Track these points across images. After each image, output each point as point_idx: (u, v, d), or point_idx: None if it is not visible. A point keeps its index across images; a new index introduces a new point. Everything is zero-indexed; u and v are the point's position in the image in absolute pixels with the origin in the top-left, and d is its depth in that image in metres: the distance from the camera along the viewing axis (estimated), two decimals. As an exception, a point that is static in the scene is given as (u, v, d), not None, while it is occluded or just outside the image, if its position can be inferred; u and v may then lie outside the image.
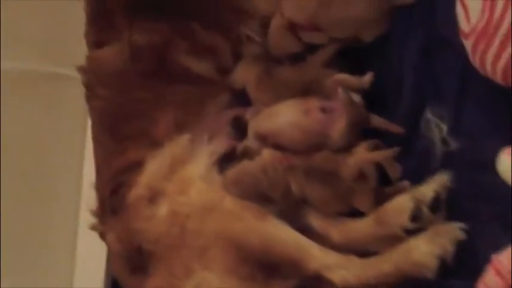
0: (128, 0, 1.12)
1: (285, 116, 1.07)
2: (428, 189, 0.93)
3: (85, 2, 1.17)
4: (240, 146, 1.11)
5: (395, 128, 1.02)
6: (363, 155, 0.99)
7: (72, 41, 1.26)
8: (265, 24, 1.12)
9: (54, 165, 1.37)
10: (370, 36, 1.04)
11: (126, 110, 1.16)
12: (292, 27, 1.06)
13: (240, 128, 1.13)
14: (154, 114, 1.14)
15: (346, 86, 1.03)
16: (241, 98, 1.17)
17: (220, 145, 1.11)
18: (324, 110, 1.05)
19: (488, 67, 0.81)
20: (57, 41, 1.38)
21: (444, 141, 0.95)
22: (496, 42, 0.79)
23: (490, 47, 0.80)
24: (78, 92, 1.22)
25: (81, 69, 1.21)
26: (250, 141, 1.11)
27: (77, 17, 1.20)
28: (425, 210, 0.93)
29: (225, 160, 1.11)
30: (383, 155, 0.98)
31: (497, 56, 0.79)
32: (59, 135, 1.39)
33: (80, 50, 1.21)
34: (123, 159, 1.14)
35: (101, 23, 1.17)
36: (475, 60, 0.83)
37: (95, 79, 1.19)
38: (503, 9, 0.77)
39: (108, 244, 1.14)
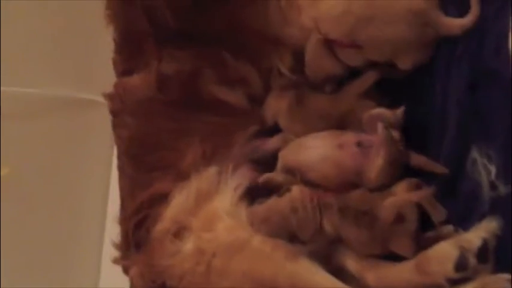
0: (157, 29, 1.09)
1: (317, 149, 1.02)
2: (476, 236, 0.87)
3: (114, 30, 1.15)
4: (263, 179, 1.06)
5: (438, 168, 0.95)
6: (401, 195, 0.92)
7: (98, 66, 1.23)
8: (298, 55, 1.06)
9: (78, 196, 1.35)
10: (408, 63, 0.97)
11: (152, 140, 1.13)
12: (329, 44, 1.00)
13: (260, 160, 1.08)
14: (182, 145, 1.11)
15: (384, 121, 0.97)
16: (273, 130, 1.11)
17: (245, 177, 1.07)
18: (360, 144, 0.98)
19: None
20: (83, 67, 1.36)
21: (492, 185, 0.88)
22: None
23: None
24: (105, 119, 1.19)
25: (109, 96, 1.19)
26: (278, 174, 1.06)
27: (101, 43, 1.18)
28: (471, 259, 0.86)
29: (253, 192, 1.07)
30: (421, 194, 0.91)
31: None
32: (84, 165, 1.37)
33: (106, 76, 1.18)
34: (148, 192, 1.11)
35: (130, 51, 1.15)
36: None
37: (121, 107, 1.17)
38: None
39: (131, 279, 1.10)
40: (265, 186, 1.05)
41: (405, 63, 0.97)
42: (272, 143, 1.10)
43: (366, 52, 0.99)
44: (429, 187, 0.92)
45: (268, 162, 1.09)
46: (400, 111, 0.96)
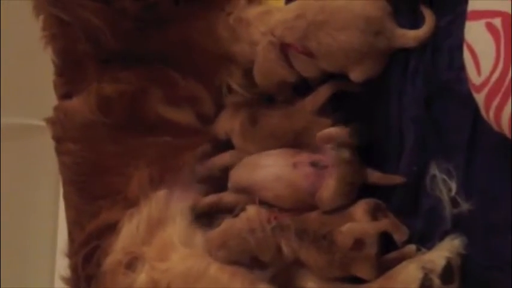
0: (98, 50, 1.03)
1: (270, 168, 0.98)
2: (439, 256, 0.84)
3: (52, 51, 1.08)
4: (211, 198, 1.02)
5: (395, 179, 0.91)
6: (358, 224, 0.88)
7: (44, 91, 1.16)
8: (249, 71, 1.01)
9: (25, 228, 1.28)
10: (360, 75, 0.93)
11: (97, 166, 1.07)
12: (283, 48, 0.96)
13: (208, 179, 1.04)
14: (128, 170, 1.05)
15: (337, 139, 0.93)
16: (225, 148, 1.06)
17: (193, 199, 1.03)
18: (314, 164, 0.94)
19: (505, 125, 0.71)
20: (26, 91, 1.30)
21: (454, 202, 0.85)
22: (514, 97, 0.69)
23: (506, 102, 0.70)
24: (51, 145, 1.12)
25: (49, 121, 1.13)
26: (229, 194, 1.02)
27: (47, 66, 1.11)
28: (436, 280, 0.83)
29: (205, 215, 1.02)
30: (381, 225, 0.88)
31: (516, 113, 0.69)
32: (31, 194, 1.30)
33: (50, 100, 1.12)
34: (96, 221, 1.06)
35: (70, 72, 1.09)
36: (489, 117, 0.73)
37: (63, 132, 1.10)
38: (521, 58, 0.67)
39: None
40: (214, 206, 1.01)
41: (357, 74, 0.93)
42: (221, 158, 1.05)
43: (318, 61, 0.95)
44: (388, 209, 0.89)
45: (216, 181, 1.04)
46: (346, 130, 0.92)
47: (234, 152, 1.05)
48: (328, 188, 0.91)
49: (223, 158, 1.05)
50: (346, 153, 0.91)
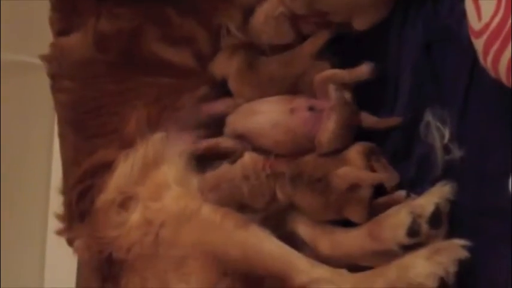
0: None
1: (268, 115, 0.98)
2: (428, 201, 0.85)
3: None
4: (206, 144, 1.02)
5: (391, 121, 0.91)
6: (354, 170, 0.89)
7: (39, 27, 1.14)
8: (249, 14, 1.00)
9: (19, 165, 1.28)
10: (363, 23, 0.93)
11: (93, 104, 1.07)
12: (295, 18, 0.96)
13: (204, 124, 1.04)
14: (125, 109, 1.05)
15: (337, 81, 0.93)
16: (223, 91, 1.06)
17: (186, 142, 1.03)
18: (312, 108, 0.95)
19: (503, 71, 0.71)
20: (21, 27, 1.28)
21: (446, 149, 0.86)
22: (514, 42, 0.69)
23: (505, 48, 0.69)
24: (46, 83, 1.11)
25: (45, 58, 1.11)
26: (225, 140, 1.02)
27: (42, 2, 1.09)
28: (424, 225, 0.85)
29: (202, 159, 1.03)
30: (378, 177, 0.89)
31: (514, 59, 0.69)
32: (26, 131, 1.29)
33: (45, 36, 1.10)
34: (91, 160, 1.06)
35: (67, 8, 1.07)
36: (486, 62, 0.73)
37: (59, 69, 1.09)
38: (522, 4, 0.67)
39: (75, 252, 1.05)
40: (209, 152, 1.01)
41: (361, 23, 0.93)
42: (218, 106, 1.05)
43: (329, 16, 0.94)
44: (383, 155, 0.90)
45: (213, 127, 1.04)
46: (366, 67, 0.90)
47: (229, 99, 1.04)
48: (327, 130, 0.91)
49: (219, 106, 1.04)
50: (346, 95, 0.91)
